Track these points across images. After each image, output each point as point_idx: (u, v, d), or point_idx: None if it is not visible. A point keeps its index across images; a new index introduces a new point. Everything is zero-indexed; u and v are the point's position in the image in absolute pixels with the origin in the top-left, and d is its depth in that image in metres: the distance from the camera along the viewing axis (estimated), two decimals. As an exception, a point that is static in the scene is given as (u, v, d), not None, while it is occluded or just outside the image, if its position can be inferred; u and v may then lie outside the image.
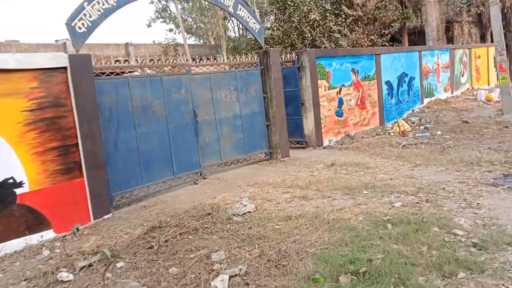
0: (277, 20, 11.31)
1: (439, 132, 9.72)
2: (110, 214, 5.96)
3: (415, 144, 8.74)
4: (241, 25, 12.09)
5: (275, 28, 11.33)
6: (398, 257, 3.18)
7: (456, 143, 8.30)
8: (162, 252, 4.27)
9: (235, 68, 8.69)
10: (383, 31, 14.66)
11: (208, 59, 10.07)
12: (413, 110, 13.58)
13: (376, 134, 11.19)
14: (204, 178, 7.79)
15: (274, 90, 8.80)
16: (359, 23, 11.85)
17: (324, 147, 9.95)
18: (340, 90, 10.86)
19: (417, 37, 24.17)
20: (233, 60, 8.71)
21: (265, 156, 9.05)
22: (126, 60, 20.88)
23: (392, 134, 10.48)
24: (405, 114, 13.55)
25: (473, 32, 27.25)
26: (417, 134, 9.80)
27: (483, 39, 24.83)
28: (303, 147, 10.09)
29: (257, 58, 8.89)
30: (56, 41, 23.02)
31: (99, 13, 5.89)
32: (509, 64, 22.78)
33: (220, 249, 4.05)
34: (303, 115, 10.07)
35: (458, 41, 22.54)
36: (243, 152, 8.60)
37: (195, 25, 50.18)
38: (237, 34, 39.07)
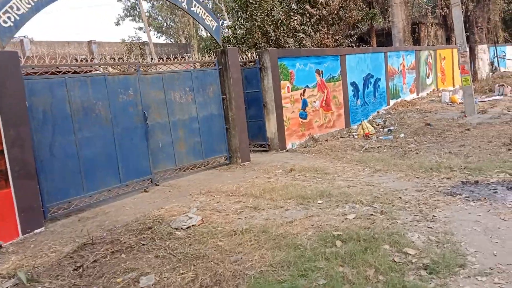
0: (240, 18, 10.91)
1: (402, 135, 9.57)
2: (43, 228, 5.37)
3: (378, 147, 8.53)
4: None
5: (236, 26, 10.92)
6: (341, 283, 2.83)
7: (418, 147, 8.13)
8: (87, 274, 3.77)
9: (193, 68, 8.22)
10: (349, 31, 14.52)
11: (168, 58, 9.52)
12: (378, 112, 13.49)
13: (341, 137, 10.97)
14: (157, 185, 7.29)
15: (233, 91, 8.38)
16: (323, 22, 11.60)
17: (287, 151, 9.62)
18: (304, 91, 10.57)
19: (385, 39, 24.35)
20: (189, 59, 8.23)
21: (224, 160, 8.63)
22: (85, 59, 19.95)
23: (356, 136, 10.27)
24: (371, 116, 13.44)
25: (439, 34, 27.75)
26: (380, 137, 9.61)
27: (448, 41, 25.29)
28: (266, 150, 9.73)
29: (214, 58, 8.45)
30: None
31: (29, 6, 5.30)
32: (472, 65, 23.33)
33: (152, 272, 3.60)
34: (266, 117, 9.70)
35: (424, 43, 22.84)
36: (200, 156, 8.14)
37: (165, 24, 49.09)
38: (209, 34, 38.45)
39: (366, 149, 8.46)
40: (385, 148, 8.43)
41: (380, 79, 14.14)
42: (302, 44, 11.11)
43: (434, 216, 4.05)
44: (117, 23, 58.40)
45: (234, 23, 11.00)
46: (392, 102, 14.90)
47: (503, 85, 14.52)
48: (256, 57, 9.49)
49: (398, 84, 15.46)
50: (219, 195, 6.01)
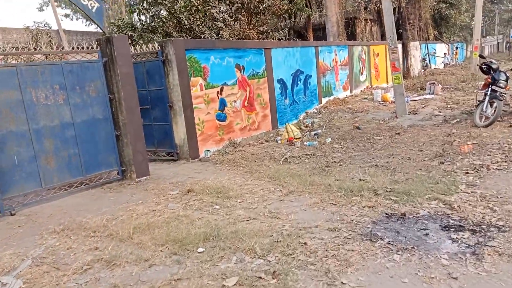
0: (142, 1, 9.19)
1: (329, 140, 8.49)
2: None
3: (300, 156, 7.34)
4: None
5: (138, 11, 9.22)
6: None
7: (343, 156, 7.04)
8: None
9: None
10: (279, 23, 13.29)
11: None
12: (307, 112, 12.44)
13: (266, 141, 9.71)
14: (12, 215, 5.50)
15: (123, 90, 6.73)
16: (243, 11, 10.22)
17: (200, 159, 8.15)
18: (222, 89, 9.13)
19: (322, 33, 23.62)
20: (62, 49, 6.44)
21: (117, 175, 6.97)
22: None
23: (279, 142, 9.04)
24: (301, 116, 12.36)
25: (374, 30, 27.67)
26: (305, 143, 8.45)
27: (383, 37, 25.16)
28: (175, 160, 8.19)
29: (97, 47, 6.73)
30: None
31: None
32: (405, 62, 23.34)
33: None
34: (172, 120, 8.14)
35: (359, 39, 22.40)
36: (78, 172, 6.42)
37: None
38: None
39: (286, 159, 7.22)
40: (307, 157, 7.25)
41: (311, 76, 13.10)
42: (220, 35, 9.66)
43: (343, 283, 2.80)
44: (40, 9, 53.21)
45: (135, 7, 9.28)
46: (324, 100, 13.97)
47: (434, 83, 14.14)
48: (158, 48, 7.88)
49: (331, 81, 14.57)
50: (77, 235, 4.40)
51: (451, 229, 3.47)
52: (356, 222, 3.89)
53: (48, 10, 42.36)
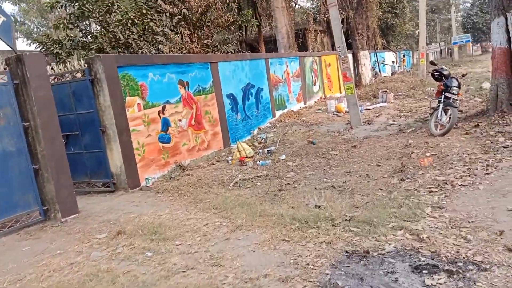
0: (70, 14, 8.21)
1: (283, 157, 7.88)
2: None
3: (252, 179, 6.65)
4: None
5: (62, 25, 8.23)
6: None
7: (297, 176, 6.43)
8: None
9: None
10: (227, 36, 12.70)
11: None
12: (260, 128, 11.83)
13: (217, 161, 8.95)
14: None
15: (40, 116, 5.75)
16: (184, 23, 9.51)
17: (141, 189, 7.24)
18: (164, 108, 8.31)
19: (274, 45, 23.38)
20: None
21: (39, 216, 5.92)
22: None
23: (230, 162, 8.32)
24: (255, 131, 11.74)
25: (325, 41, 27.91)
26: (257, 162, 7.78)
27: (334, 47, 25.36)
28: (111, 191, 7.22)
29: (5, 68, 5.73)
30: None
31: None
32: (356, 71, 23.54)
33: None
34: (106, 146, 7.20)
35: (311, 49, 22.34)
36: (-14, 217, 5.34)
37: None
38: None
39: (236, 183, 6.49)
40: (260, 179, 6.58)
41: (262, 89, 12.56)
42: (159, 49, 8.86)
43: None
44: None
45: (60, 21, 8.29)
46: (278, 113, 13.46)
47: (386, 91, 14.06)
48: (85, 66, 6.96)
49: (283, 94, 14.12)
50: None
51: (424, 271, 2.88)
52: (312, 267, 3.21)
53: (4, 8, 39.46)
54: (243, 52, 14.29)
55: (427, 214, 3.91)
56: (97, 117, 7.09)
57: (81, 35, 8.92)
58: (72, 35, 8.87)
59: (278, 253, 3.62)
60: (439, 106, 7.85)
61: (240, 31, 26.03)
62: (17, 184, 5.68)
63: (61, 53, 8.55)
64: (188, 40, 9.29)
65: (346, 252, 3.37)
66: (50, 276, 3.85)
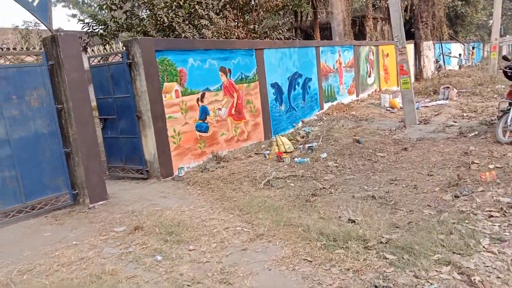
0: (114, -7, 8.08)
1: (324, 155, 7.29)
2: None
3: (285, 178, 6.17)
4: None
5: (106, 7, 8.11)
6: None
7: (336, 179, 5.85)
8: None
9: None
10: (277, 22, 12.11)
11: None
12: (303, 121, 11.22)
13: (256, 153, 8.57)
14: None
15: (72, 99, 5.65)
16: (229, 7, 9.06)
17: (173, 178, 7.04)
18: (203, 96, 8.01)
19: (330, 33, 22.40)
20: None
21: (68, 200, 5.88)
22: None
23: (267, 156, 7.87)
24: (299, 123, 11.17)
25: (385, 29, 26.25)
26: (295, 159, 7.26)
27: (394, 37, 23.76)
28: (144, 178, 7.09)
29: (40, 49, 5.66)
30: None
31: None
32: (418, 63, 21.89)
33: None
34: (141, 132, 7.04)
35: (369, 38, 21.05)
36: (16, 199, 5.35)
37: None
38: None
39: (268, 181, 6.04)
40: (294, 179, 6.08)
41: (311, 79, 11.89)
42: (202, 34, 8.53)
43: None
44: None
45: (102, 2, 8.19)
46: (326, 105, 12.75)
47: (449, 87, 12.78)
48: (123, 48, 6.79)
49: (334, 85, 13.34)
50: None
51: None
52: (333, 302, 2.71)
53: (55, 11, 41.69)
54: (297, 39, 13.62)
55: (484, 247, 3.22)
56: (133, 102, 6.93)
57: (125, 17, 8.79)
58: (117, 16, 8.76)
59: (296, 276, 3.14)
60: (510, 109, 6.82)
61: (294, 16, 25.24)
62: (48, 167, 5.65)
63: (106, 34, 8.49)
64: (233, 24, 8.86)
65: (375, 287, 2.82)
66: (57, 270, 3.68)
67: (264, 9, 9.93)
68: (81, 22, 8.40)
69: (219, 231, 4.26)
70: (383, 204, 4.48)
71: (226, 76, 8.62)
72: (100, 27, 8.55)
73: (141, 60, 6.70)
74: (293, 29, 28.84)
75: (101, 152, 8.69)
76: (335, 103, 13.24)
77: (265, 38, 11.09)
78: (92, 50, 7.16)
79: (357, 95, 14.93)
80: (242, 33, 9.12)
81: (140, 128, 7.02)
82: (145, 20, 8.67)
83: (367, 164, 6.50)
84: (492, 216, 3.79)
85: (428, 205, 4.34)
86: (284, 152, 8.07)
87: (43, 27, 17.70)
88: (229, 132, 8.67)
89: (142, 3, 8.60)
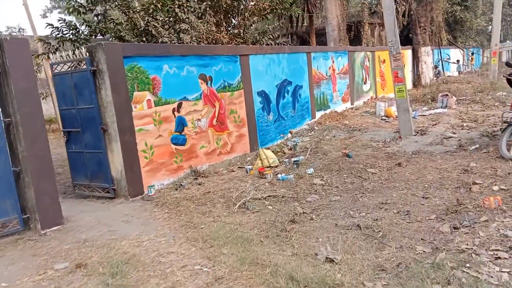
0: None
1: (310, 171, 6.62)
2: None
3: (264, 199, 5.49)
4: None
5: (73, 10, 7.45)
6: None
7: (320, 201, 5.17)
8: None
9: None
10: (266, 26, 11.50)
11: None
12: (292, 131, 10.55)
13: (239, 167, 7.91)
14: None
15: (20, 111, 4.99)
16: (212, 11, 8.41)
17: (143, 198, 6.35)
18: (180, 106, 7.36)
19: (327, 38, 21.85)
20: None
21: (18, 226, 5.18)
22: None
23: (249, 172, 7.19)
24: (289, 134, 10.51)
25: (383, 35, 25.68)
26: (278, 176, 6.59)
27: (391, 42, 23.16)
28: (112, 197, 6.41)
29: (-17, 55, 5.01)
30: None
31: None
32: (415, 69, 21.27)
33: None
34: (107, 147, 6.37)
35: (365, 44, 20.46)
36: (-48, 226, 4.68)
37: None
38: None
39: (244, 203, 5.36)
40: (274, 201, 5.40)
41: (301, 87, 11.26)
42: (180, 39, 7.88)
43: None
44: (44, 16, 52.33)
45: (70, 3, 7.52)
46: (319, 114, 12.10)
47: (447, 95, 12.13)
48: (86, 54, 6.14)
49: (327, 92, 12.70)
50: None
51: None
52: None
53: (51, 17, 41.24)
54: (289, 45, 12.98)
55: (490, 306, 2.55)
56: (98, 113, 6.27)
57: (97, 20, 8.15)
58: (88, 20, 8.13)
59: None
60: (514, 121, 6.16)
61: (290, 22, 24.66)
62: (-8, 189, 4.97)
63: (77, 39, 7.85)
64: (215, 29, 8.21)
65: None
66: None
67: (251, 13, 9.30)
68: (50, 26, 7.75)
69: (174, 271, 3.58)
70: (369, 237, 3.80)
71: (207, 84, 7.98)
72: (70, 31, 7.90)
73: (105, 67, 6.05)
74: (289, 35, 28.28)
75: (66, 169, 8.06)
76: (328, 111, 12.60)
77: (254, 44, 10.47)
78: (54, 56, 6.53)
79: (352, 103, 14.30)
80: (225, 38, 8.48)
81: (106, 142, 6.35)
82: (123, 24, 8.02)
83: (356, 183, 5.82)
84: (499, 257, 3.10)
85: (422, 238, 3.65)
86: (268, 167, 7.40)
87: (28, 33, 17.06)
88: (210, 145, 8.01)
89: (116, 6, 7.96)
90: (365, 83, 15.54)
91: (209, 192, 6.13)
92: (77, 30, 7.90)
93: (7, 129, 5.14)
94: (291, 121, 10.76)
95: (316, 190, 5.67)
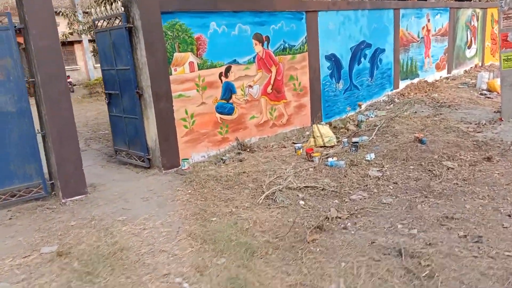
0: None
1: (370, 157, 5.44)
2: None
3: (299, 189, 4.56)
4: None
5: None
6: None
7: (366, 201, 4.09)
8: None
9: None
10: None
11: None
12: (366, 103, 9.12)
13: (293, 143, 6.99)
14: None
15: (40, 71, 4.66)
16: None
17: (176, 171, 5.85)
18: (229, 70, 6.58)
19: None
20: None
21: (43, 191, 5.02)
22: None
23: (296, 152, 6.22)
24: (363, 105, 9.16)
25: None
26: (328, 160, 5.53)
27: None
28: (146, 167, 6.02)
29: (4, 9, 4.67)
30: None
31: None
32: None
33: None
34: (143, 113, 5.91)
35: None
36: (-27, 187, 4.65)
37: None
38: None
39: (273, 193, 4.50)
40: (310, 194, 4.45)
41: (383, 51, 9.64)
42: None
43: None
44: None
45: None
46: (403, 83, 10.40)
47: None
48: (122, 9, 5.57)
49: (417, 58, 10.79)
50: None
51: None
52: None
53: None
54: None
55: None
56: (133, 76, 5.77)
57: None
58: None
59: None
60: None
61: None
62: (14, 151, 4.81)
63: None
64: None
65: None
66: None
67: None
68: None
69: (151, 280, 2.94)
70: (409, 273, 2.70)
71: (262, 45, 7.02)
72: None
73: (140, 24, 5.44)
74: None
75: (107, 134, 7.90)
76: (415, 80, 10.77)
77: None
78: (95, 11, 6.11)
79: (449, 71, 12.09)
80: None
81: (142, 107, 5.89)
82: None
83: (423, 179, 4.55)
84: None
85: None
86: (322, 147, 6.36)
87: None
88: (261, 115, 7.17)
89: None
90: (469, 48, 13.00)
91: (244, 172, 5.37)
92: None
93: (34, 90, 4.88)
94: (367, 91, 9.33)
95: (366, 185, 4.55)
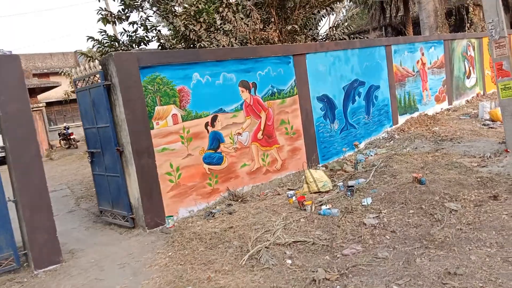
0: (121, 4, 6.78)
1: (367, 201, 5.03)
2: None
3: (287, 245, 4.14)
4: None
5: (102, 20, 6.79)
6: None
7: (358, 259, 3.64)
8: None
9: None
10: (339, 21, 9.99)
11: None
12: (361, 142, 8.78)
13: (289, 189, 6.64)
14: None
15: (9, 136, 4.47)
16: (254, 7, 7.17)
17: (161, 230, 5.48)
18: (215, 119, 6.37)
19: (421, 27, 18.99)
20: None
21: (16, 264, 4.69)
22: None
23: (288, 199, 5.83)
24: (362, 144, 8.82)
25: (499, 17, 21.55)
26: (321, 207, 5.13)
27: None
28: (131, 227, 5.68)
29: (-29, 77, 4.58)
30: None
31: None
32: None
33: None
34: (124, 171, 5.65)
35: (473, 29, 17.15)
36: None
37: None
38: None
39: (258, 251, 4.08)
40: (298, 250, 4.02)
41: (378, 87, 9.42)
42: (217, 40, 6.86)
43: None
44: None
45: (102, 16, 6.88)
46: (402, 118, 10.09)
47: None
48: (99, 67, 5.48)
49: (414, 92, 10.55)
50: None
51: None
52: None
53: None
54: (365, 38, 11.18)
55: None
56: (113, 133, 5.58)
57: (133, 29, 7.57)
58: (129, 30, 7.61)
59: None
60: None
61: (382, 13, 22.23)
62: (-17, 222, 4.54)
63: (116, 50, 7.38)
64: (259, 27, 7.00)
65: None
66: None
67: (308, 6, 7.86)
68: (90, 38, 7.41)
69: None
70: None
71: (249, 92, 6.85)
72: (111, 42, 7.47)
73: (117, 81, 5.31)
74: (382, 27, 25.67)
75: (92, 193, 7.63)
76: (415, 114, 10.46)
77: (323, 40, 8.98)
78: (75, 71, 6.06)
79: (450, 103, 11.78)
80: (274, 36, 7.22)
81: (123, 165, 5.64)
82: (158, 31, 7.33)
83: (423, 226, 4.11)
84: None
85: None
86: (316, 192, 5.97)
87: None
88: (253, 162, 6.86)
89: (155, 11, 7.29)
90: (468, 78, 12.77)
91: (231, 227, 4.97)
92: (118, 41, 7.42)
93: (4, 155, 4.69)
94: (364, 129, 9.02)
95: (361, 236, 4.12)
